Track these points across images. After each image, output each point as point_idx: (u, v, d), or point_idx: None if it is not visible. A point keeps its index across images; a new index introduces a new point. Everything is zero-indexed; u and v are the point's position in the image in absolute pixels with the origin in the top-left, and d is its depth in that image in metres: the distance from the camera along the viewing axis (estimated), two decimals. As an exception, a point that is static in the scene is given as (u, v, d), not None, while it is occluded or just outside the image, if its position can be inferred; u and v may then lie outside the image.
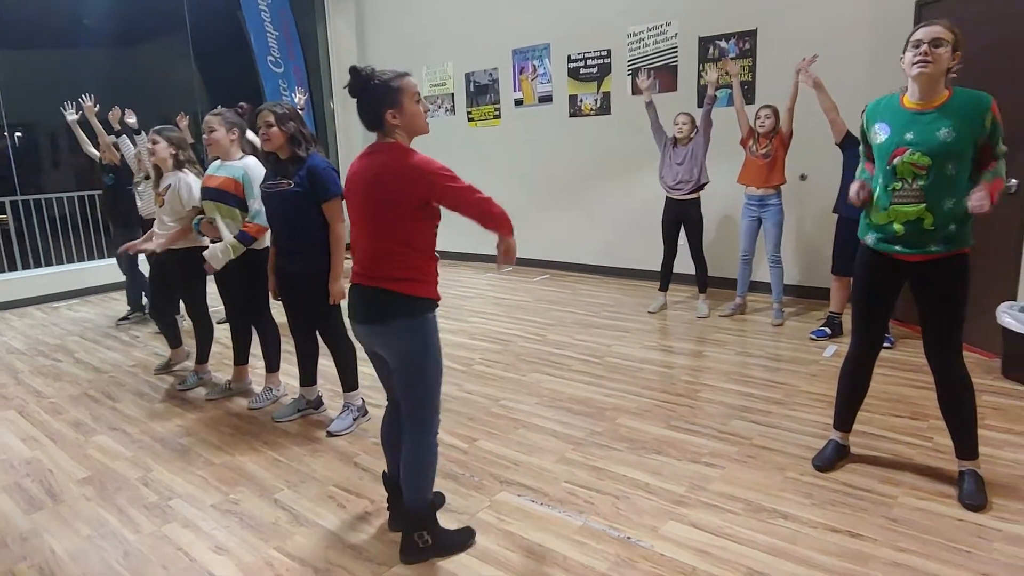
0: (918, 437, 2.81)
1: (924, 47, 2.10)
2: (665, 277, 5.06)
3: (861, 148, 2.47)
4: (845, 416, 2.62)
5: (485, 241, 7.41)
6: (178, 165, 3.56)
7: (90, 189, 6.78)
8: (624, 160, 6.03)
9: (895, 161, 2.19)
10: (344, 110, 8.70)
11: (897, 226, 2.23)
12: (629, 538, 2.19)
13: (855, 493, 2.40)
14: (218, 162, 3.30)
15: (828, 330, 4.21)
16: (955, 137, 2.10)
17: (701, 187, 4.69)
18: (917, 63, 2.11)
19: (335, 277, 2.92)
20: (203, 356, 3.83)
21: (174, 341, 4.12)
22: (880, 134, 2.26)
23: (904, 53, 2.18)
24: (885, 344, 3.95)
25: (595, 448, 2.85)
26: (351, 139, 8.73)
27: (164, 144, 3.54)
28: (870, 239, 2.34)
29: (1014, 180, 3.48)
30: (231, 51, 7.76)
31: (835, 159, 4.13)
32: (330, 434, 3.07)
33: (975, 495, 2.29)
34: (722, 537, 2.17)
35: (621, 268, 6.33)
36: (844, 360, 2.57)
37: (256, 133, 2.94)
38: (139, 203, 4.84)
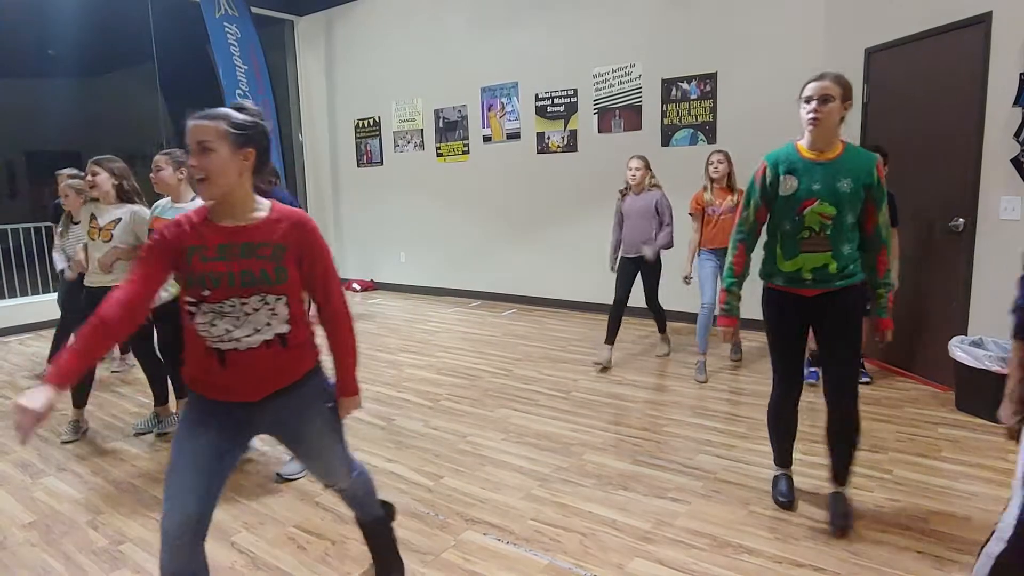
0: (878, 469, 2.86)
1: (814, 104, 2.20)
2: (613, 329, 4.51)
3: (755, 200, 2.37)
4: (785, 453, 2.65)
5: (453, 275, 7.44)
6: (126, 197, 3.39)
7: (44, 221, 6.62)
8: (590, 196, 6.13)
9: (805, 211, 2.26)
10: (312, 144, 8.72)
11: (806, 273, 2.31)
12: (595, 576, 2.16)
13: (818, 526, 2.42)
14: (167, 201, 3.25)
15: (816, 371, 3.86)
16: (852, 188, 2.23)
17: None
18: (809, 120, 2.21)
19: None
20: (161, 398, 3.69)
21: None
22: (790, 185, 2.29)
23: (800, 103, 2.27)
24: (864, 379, 3.97)
25: (561, 484, 2.83)
26: (319, 173, 8.73)
27: (105, 175, 3.35)
28: (778, 280, 2.39)
29: (961, 219, 3.64)
30: (199, 83, 7.74)
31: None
32: (280, 477, 2.94)
33: (846, 516, 2.39)
34: (688, 574, 2.16)
35: (588, 303, 6.38)
36: (770, 403, 2.58)
37: None
38: (64, 253, 4.34)
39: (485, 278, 7.17)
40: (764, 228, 2.44)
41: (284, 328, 1.66)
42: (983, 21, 3.44)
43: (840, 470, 2.45)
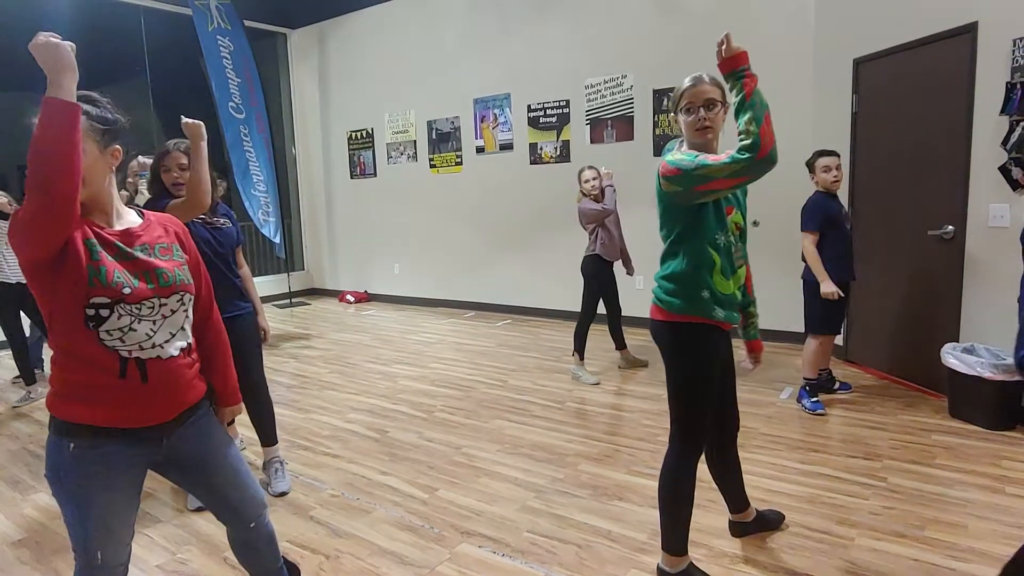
0: (873, 477, 2.86)
1: (701, 112, 1.95)
2: (584, 340, 4.53)
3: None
4: (687, 532, 2.12)
5: (447, 286, 7.43)
6: None
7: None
8: (584, 206, 6.15)
9: (728, 220, 1.98)
10: (305, 156, 8.72)
11: (737, 291, 2.04)
12: (591, 588, 2.15)
13: (813, 536, 2.42)
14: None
15: (820, 402, 3.72)
16: (743, 194, 2.07)
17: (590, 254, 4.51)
18: (699, 130, 1.96)
19: None
20: None
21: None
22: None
23: (677, 113, 2.02)
24: (844, 391, 3.98)
25: (557, 495, 2.82)
26: (313, 185, 8.73)
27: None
28: (720, 314, 1.99)
29: (951, 227, 3.66)
30: (191, 96, 7.75)
31: (788, 205, 4.25)
32: (277, 495, 2.91)
33: (770, 513, 2.47)
34: (684, 585, 2.15)
35: (582, 312, 6.38)
36: (677, 477, 2.07)
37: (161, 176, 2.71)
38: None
39: (479, 289, 7.17)
40: (682, 254, 2.00)
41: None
42: (969, 31, 3.48)
43: (743, 494, 2.39)
